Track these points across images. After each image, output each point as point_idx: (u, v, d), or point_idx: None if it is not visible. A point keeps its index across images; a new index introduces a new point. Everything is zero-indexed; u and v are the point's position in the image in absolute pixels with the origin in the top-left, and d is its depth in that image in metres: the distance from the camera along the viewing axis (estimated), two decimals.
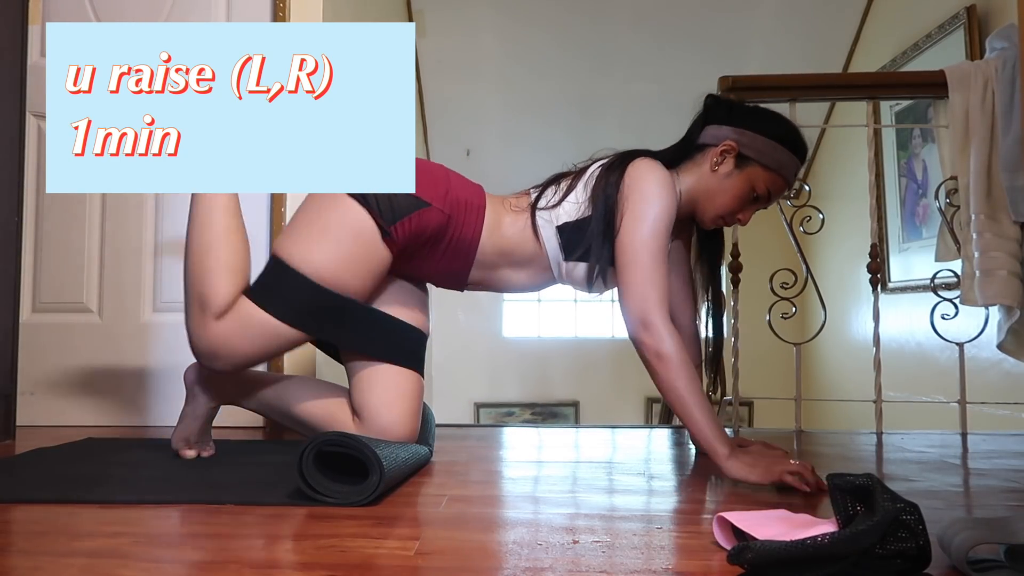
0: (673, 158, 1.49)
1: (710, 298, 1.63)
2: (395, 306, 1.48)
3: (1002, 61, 1.99)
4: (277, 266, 1.36)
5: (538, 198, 1.48)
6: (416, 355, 1.48)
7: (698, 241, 1.65)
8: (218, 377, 1.49)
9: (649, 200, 1.37)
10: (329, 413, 1.44)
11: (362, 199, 1.35)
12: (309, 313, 1.36)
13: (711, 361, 1.64)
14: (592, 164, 1.49)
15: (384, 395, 1.41)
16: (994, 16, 3.15)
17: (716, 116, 1.48)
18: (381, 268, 1.40)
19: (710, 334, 1.64)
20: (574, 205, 1.44)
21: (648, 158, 1.45)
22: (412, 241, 1.39)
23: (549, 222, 1.45)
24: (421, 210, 1.37)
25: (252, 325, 1.34)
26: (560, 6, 4.57)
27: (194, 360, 1.56)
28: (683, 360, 1.31)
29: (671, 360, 1.31)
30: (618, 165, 1.44)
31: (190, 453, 1.48)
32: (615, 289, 1.47)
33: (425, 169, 1.41)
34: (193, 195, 1.40)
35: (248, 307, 1.34)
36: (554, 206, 1.45)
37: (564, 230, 1.44)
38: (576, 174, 1.49)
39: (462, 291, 1.58)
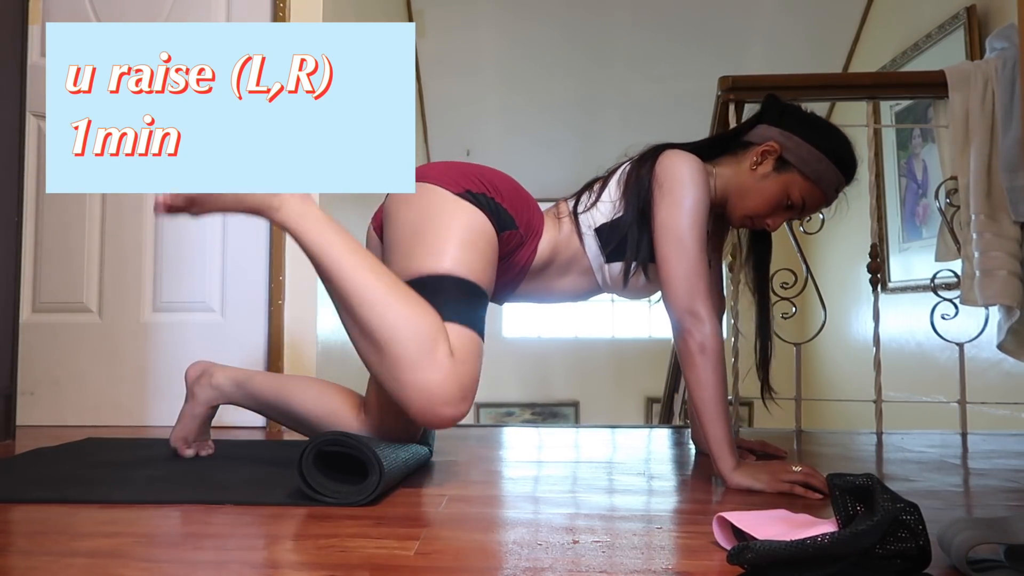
0: (713, 149, 1.47)
1: (758, 301, 1.59)
2: None
3: (1002, 61, 1.99)
4: (455, 283, 1.28)
5: (576, 204, 1.48)
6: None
7: (748, 242, 1.62)
8: (219, 377, 1.49)
9: (684, 187, 1.35)
10: (329, 412, 1.44)
11: (477, 203, 1.34)
12: (474, 311, 1.32)
13: (761, 366, 1.58)
14: (625, 162, 1.49)
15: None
16: (994, 16, 3.16)
17: (769, 116, 1.46)
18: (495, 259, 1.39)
19: (754, 338, 1.58)
20: (608, 204, 1.44)
21: (679, 149, 1.43)
22: (500, 253, 1.40)
23: (589, 226, 1.45)
24: (511, 231, 1.38)
25: (474, 346, 1.27)
26: (560, 5, 4.58)
27: (197, 360, 1.56)
28: (723, 357, 1.30)
29: (714, 355, 1.28)
30: (649, 157, 1.43)
31: (189, 452, 1.48)
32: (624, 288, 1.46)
33: (518, 190, 1.42)
34: (315, 262, 1.26)
35: (460, 331, 1.26)
36: (590, 209, 1.45)
37: (602, 232, 1.44)
38: (608, 175, 1.49)
39: (501, 305, 1.57)
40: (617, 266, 1.44)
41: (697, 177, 1.37)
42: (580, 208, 1.47)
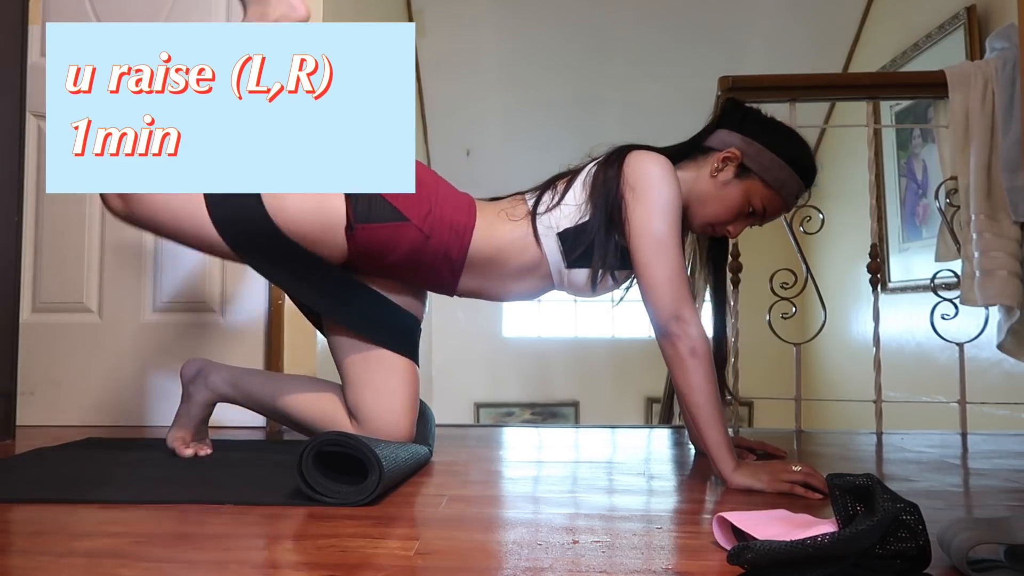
0: (674, 155, 1.43)
1: (714, 304, 1.58)
2: (385, 288, 1.44)
3: (1002, 61, 1.99)
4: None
5: (536, 203, 1.42)
6: (408, 340, 1.46)
7: (706, 244, 1.59)
8: (214, 377, 1.49)
9: (657, 188, 1.33)
10: (327, 413, 1.44)
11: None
12: (249, 237, 1.33)
13: (717, 366, 1.55)
14: (589, 162, 1.45)
15: (379, 393, 1.40)
16: (994, 16, 3.16)
17: (730, 121, 1.43)
18: (331, 254, 1.36)
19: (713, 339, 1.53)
20: (573, 208, 1.39)
21: (645, 150, 1.41)
22: (378, 249, 1.35)
23: (550, 228, 1.40)
24: (397, 223, 1.33)
25: (186, 207, 1.31)
26: (560, 5, 4.57)
27: (191, 357, 1.56)
28: (711, 359, 1.28)
29: (705, 357, 1.27)
30: (616, 158, 1.40)
31: (187, 452, 1.48)
32: (608, 288, 1.45)
33: (421, 184, 1.36)
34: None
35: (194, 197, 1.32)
36: (552, 210, 1.40)
37: (565, 237, 1.39)
38: (573, 174, 1.45)
39: (452, 296, 1.53)
40: (581, 272, 1.40)
41: (668, 177, 1.35)
42: (541, 208, 1.41)
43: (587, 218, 1.38)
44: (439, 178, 1.45)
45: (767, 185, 1.39)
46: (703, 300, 1.60)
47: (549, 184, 1.46)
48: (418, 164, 1.40)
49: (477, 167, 5.41)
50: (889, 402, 2.07)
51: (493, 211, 1.44)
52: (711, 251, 1.59)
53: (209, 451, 1.51)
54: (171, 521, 1.04)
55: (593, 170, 1.42)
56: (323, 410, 1.44)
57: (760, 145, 1.39)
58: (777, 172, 1.39)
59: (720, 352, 1.53)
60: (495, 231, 1.41)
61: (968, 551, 0.77)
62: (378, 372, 1.41)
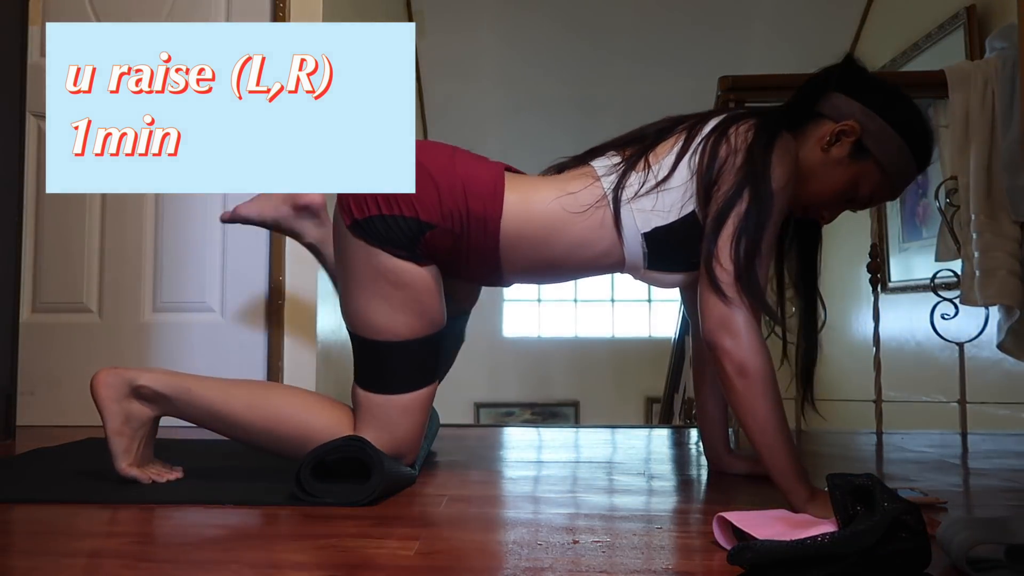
0: (780, 123, 1.19)
1: (803, 299, 1.35)
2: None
3: (1002, 61, 1.99)
4: (364, 345, 1.24)
5: (619, 186, 1.18)
6: (448, 360, 1.42)
7: (793, 226, 1.33)
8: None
9: (775, 197, 1.12)
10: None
11: (366, 235, 1.20)
12: (420, 369, 1.24)
13: (803, 378, 1.35)
14: (671, 126, 1.24)
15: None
16: (994, 16, 3.15)
17: (848, 84, 1.18)
18: (438, 286, 1.24)
19: (795, 344, 1.37)
20: (674, 196, 1.16)
21: (776, 135, 1.16)
22: (435, 253, 1.23)
23: (636, 229, 1.18)
24: (429, 232, 1.20)
25: (387, 408, 1.22)
26: (561, 6, 4.58)
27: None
28: (769, 376, 1.08)
29: (758, 376, 1.06)
30: (763, 143, 1.13)
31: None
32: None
33: (439, 179, 1.21)
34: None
35: (374, 400, 1.22)
36: (641, 197, 1.17)
37: (654, 238, 1.18)
38: (662, 140, 1.23)
39: (508, 286, 1.35)
40: (662, 275, 1.23)
41: (789, 184, 1.14)
42: (626, 194, 1.17)
43: (683, 215, 1.17)
44: (465, 163, 1.25)
45: (884, 171, 1.17)
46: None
47: (633, 158, 1.21)
48: (431, 151, 1.26)
49: None
50: (889, 402, 2.07)
51: (544, 193, 1.22)
52: (796, 236, 1.34)
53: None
54: (171, 521, 1.04)
55: (708, 146, 1.16)
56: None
57: (884, 122, 1.15)
58: (898, 158, 1.16)
59: (810, 363, 1.35)
60: (557, 222, 1.19)
61: (968, 551, 0.77)
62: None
